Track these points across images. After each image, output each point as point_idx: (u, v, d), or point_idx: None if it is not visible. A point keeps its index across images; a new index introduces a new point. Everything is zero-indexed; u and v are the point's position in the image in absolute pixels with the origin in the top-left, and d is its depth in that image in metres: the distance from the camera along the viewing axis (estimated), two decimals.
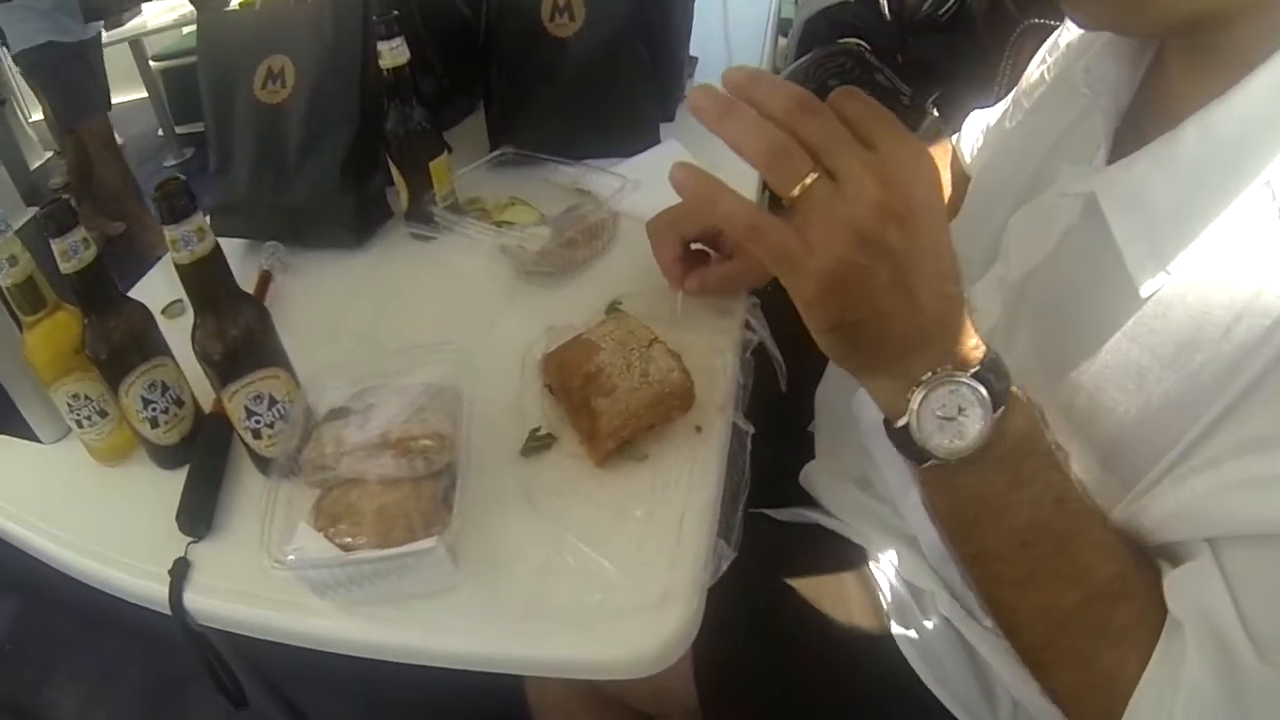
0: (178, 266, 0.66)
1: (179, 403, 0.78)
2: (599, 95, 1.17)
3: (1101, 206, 0.54)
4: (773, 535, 0.82)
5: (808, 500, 0.86)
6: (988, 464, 0.49)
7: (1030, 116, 0.77)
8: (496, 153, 1.13)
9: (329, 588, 0.64)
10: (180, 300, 0.96)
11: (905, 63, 1.78)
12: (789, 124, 0.44)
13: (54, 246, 0.69)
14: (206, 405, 0.82)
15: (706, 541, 0.65)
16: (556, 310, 0.88)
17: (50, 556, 0.76)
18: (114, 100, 3.44)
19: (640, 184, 0.99)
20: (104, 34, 3.48)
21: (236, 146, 1.11)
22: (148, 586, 0.70)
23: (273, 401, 0.72)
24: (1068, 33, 0.75)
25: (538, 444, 0.75)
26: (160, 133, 4.54)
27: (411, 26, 1.17)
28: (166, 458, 0.80)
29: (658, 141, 1.21)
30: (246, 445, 0.75)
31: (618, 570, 0.64)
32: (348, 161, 1.07)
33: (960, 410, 0.48)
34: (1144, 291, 0.50)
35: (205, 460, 0.78)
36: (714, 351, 0.81)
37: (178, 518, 0.73)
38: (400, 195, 1.08)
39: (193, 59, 1.15)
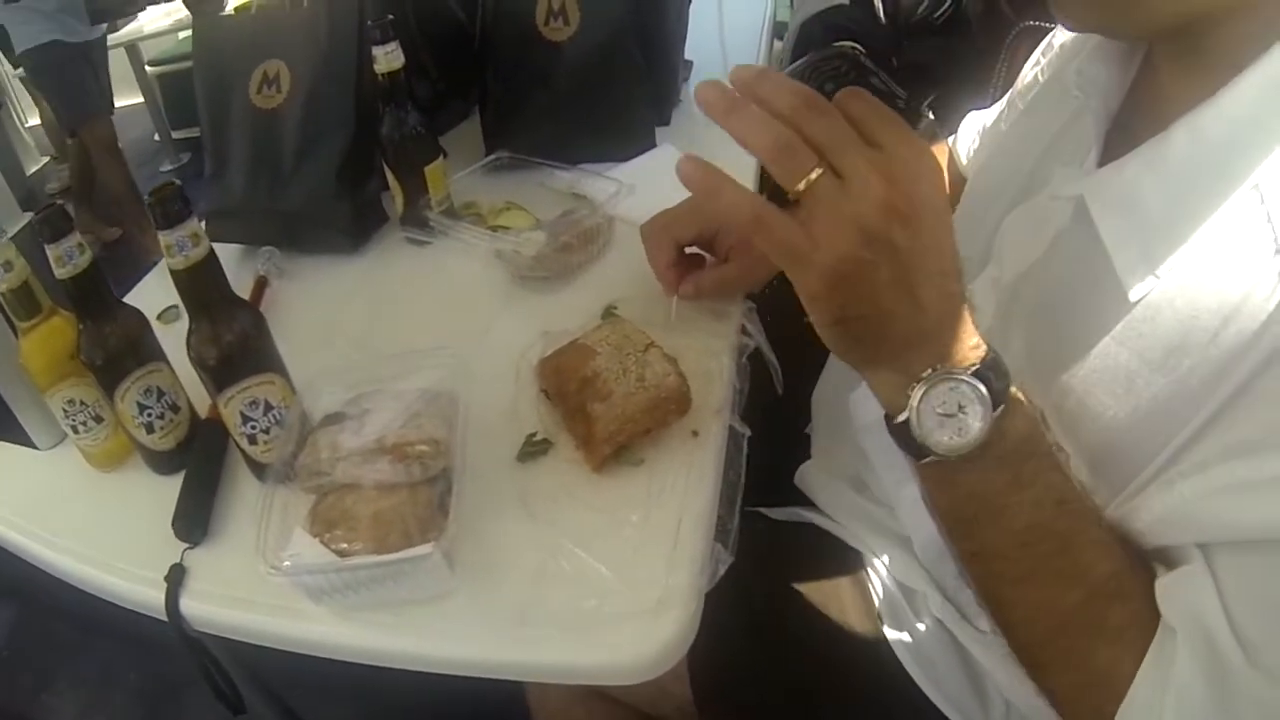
0: (172, 272, 0.66)
1: (174, 408, 0.78)
2: (594, 99, 1.17)
3: (1090, 210, 0.54)
4: (768, 536, 0.82)
5: (803, 500, 0.86)
6: (988, 462, 0.49)
7: (1024, 118, 0.77)
8: (492, 157, 1.13)
9: (325, 593, 0.64)
10: (176, 306, 0.96)
11: (900, 66, 1.78)
12: (795, 121, 0.44)
13: (49, 252, 0.69)
14: (202, 411, 0.81)
15: (703, 546, 0.65)
16: (552, 315, 0.88)
17: (47, 562, 0.76)
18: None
19: (636, 188, 0.99)
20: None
21: (232, 152, 1.11)
22: (144, 592, 0.70)
23: (268, 407, 0.72)
24: (1061, 34, 0.75)
25: (534, 449, 0.75)
26: (157, 138, 4.54)
27: (406, 31, 1.17)
28: (162, 463, 0.80)
29: (653, 146, 1.21)
30: (242, 451, 0.75)
31: (614, 575, 0.64)
32: (343, 167, 1.07)
33: (960, 408, 0.48)
34: (1133, 296, 0.51)
35: (201, 466, 0.78)
36: (710, 356, 0.81)
37: (174, 523, 0.73)
38: (395, 200, 1.08)
39: (189, 64, 1.15)
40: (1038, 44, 0.80)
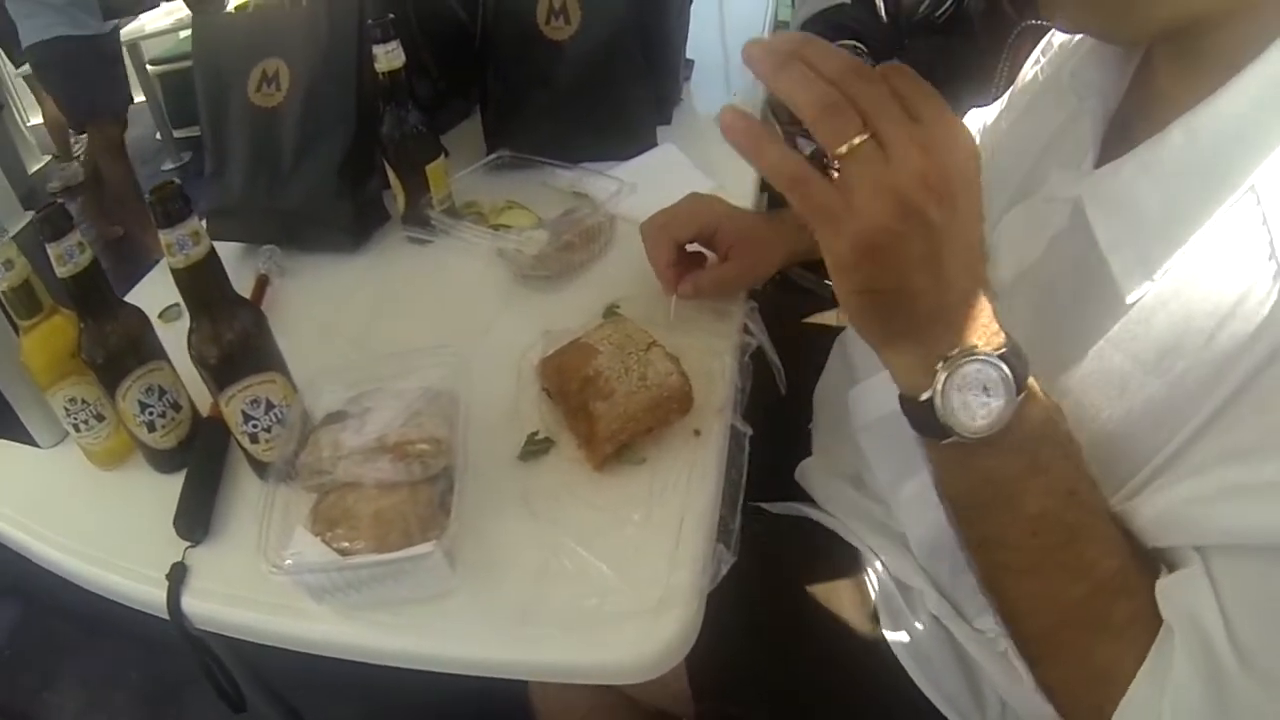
0: (173, 271, 0.66)
1: (176, 407, 0.78)
2: (595, 98, 1.17)
3: (1087, 213, 0.54)
4: (768, 535, 0.82)
5: (803, 496, 0.86)
6: (1006, 447, 0.49)
7: (1023, 118, 0.77)
8: (493, 156, 1.13)
9: (326, 592, 0.64)
10: (177, 304, 0.96)
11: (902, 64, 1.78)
12: (841, 85, 0.44)
13: (50, 251, 0.69)
14: (204, 409, 0.81)
15: (705, 545, 0.65)
16: (554, 314, 0.88)
17: (48, 561, 0.76)
18: None
19: (637, 187, 0.99)
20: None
21: (232, 150, 1.11)
22: (146, 591, 0.70)
23: (270, 406, 0.72)
24: (1060, 33, 0.75)
25: (535, 448, 0.75)
26: (158, 136, 4.54)
27: (407, 30, 1.17)
28: (164, 462, 0.80)
29: (654, 144, 1.21)
30: (244, 449, 0.75)
31: (616, 574, 0.64)
32: (344, 165, 1.07)
33: (985, 389, 0.47)
34: (1129, 299, 0.51)
35: (202, 465, 0.78)
36: (712, 355, 0.81)
37: (175, 522, 0.73)
38: (397, 199, 1.08)
39: (190, 63, 1.15)
40: (1039, 43, 0.79)
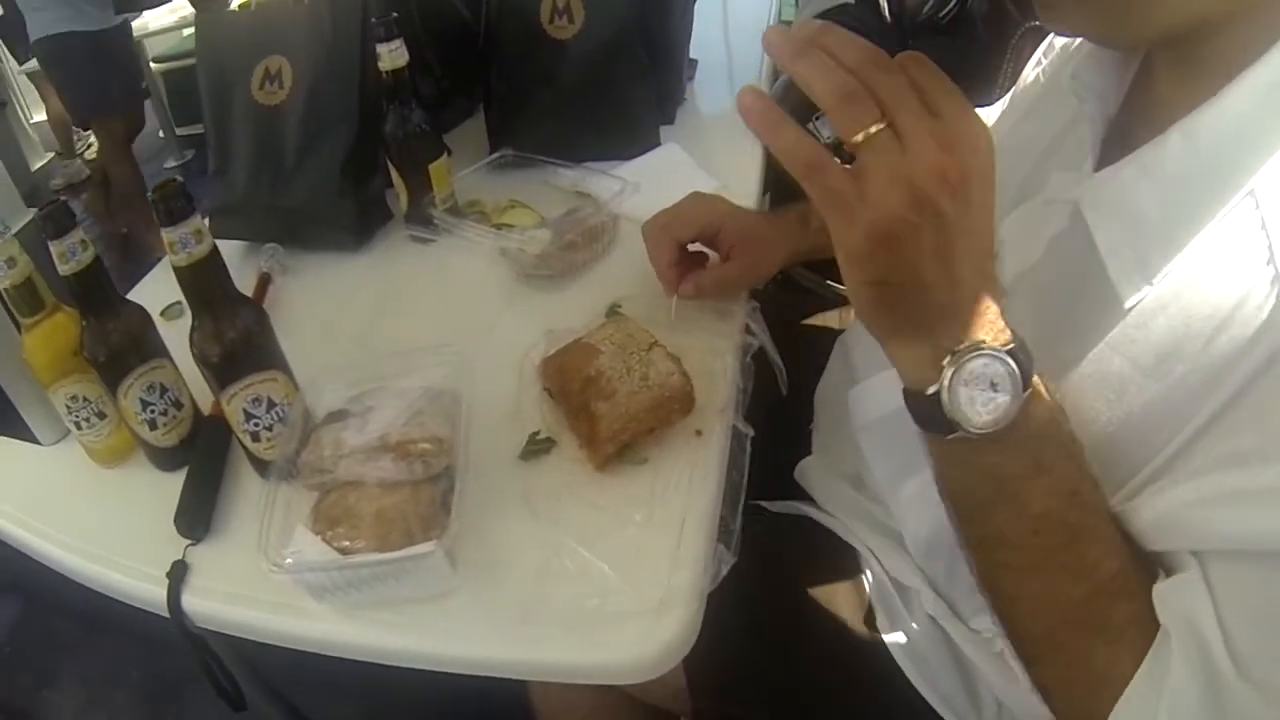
0: (175, 269, 0.66)
1: (178, 405, 0.78)
2: (598, 97, 1.17)
3: (1085, 216, 0.53)
4: (767, 534, 0.82)
5: (803, 495, 0.86)
6: (1010, 444, 0.49)
7: (1024, 120, 0.77)
8: (496, 155, 1.13)
9: (327, 591, 0.64)
10: (179, 302, 0.96)
11: None
12: (860, 74, 0.44)
13: (52, 248, 0.69)
14: (205, 407, 0.81)
15: (706, 546, 0.65)
16: (556, 313, 0.88)
17: (49, 559, 0.76)
18: None
19: (640, 187, 0.99)
20: None
21: (235, 148, 1.11)
22: (146, 589, 0.70)
23: (271, 404, 0.72)
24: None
25: (537, 448, 0.75)
26: (161, 134, 4.54)
27: (411, 29, 1.17)
28: (165, 460, 0.80)
29: (657, 144, 1.20)
30: (245, 448, 0.75)
31: (617, 574, 0.63)
32: (347, 163, 1.07)
33: (992, 384, 0.47)
34: (1128, 302, 0.50)
35: (204, 463, 0.78)
36: (714, 355, 0.81)
37: (176, 520, 0.73)
38: (400, 198, 1.08)
39: (193, 60, 1.15)
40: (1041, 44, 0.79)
